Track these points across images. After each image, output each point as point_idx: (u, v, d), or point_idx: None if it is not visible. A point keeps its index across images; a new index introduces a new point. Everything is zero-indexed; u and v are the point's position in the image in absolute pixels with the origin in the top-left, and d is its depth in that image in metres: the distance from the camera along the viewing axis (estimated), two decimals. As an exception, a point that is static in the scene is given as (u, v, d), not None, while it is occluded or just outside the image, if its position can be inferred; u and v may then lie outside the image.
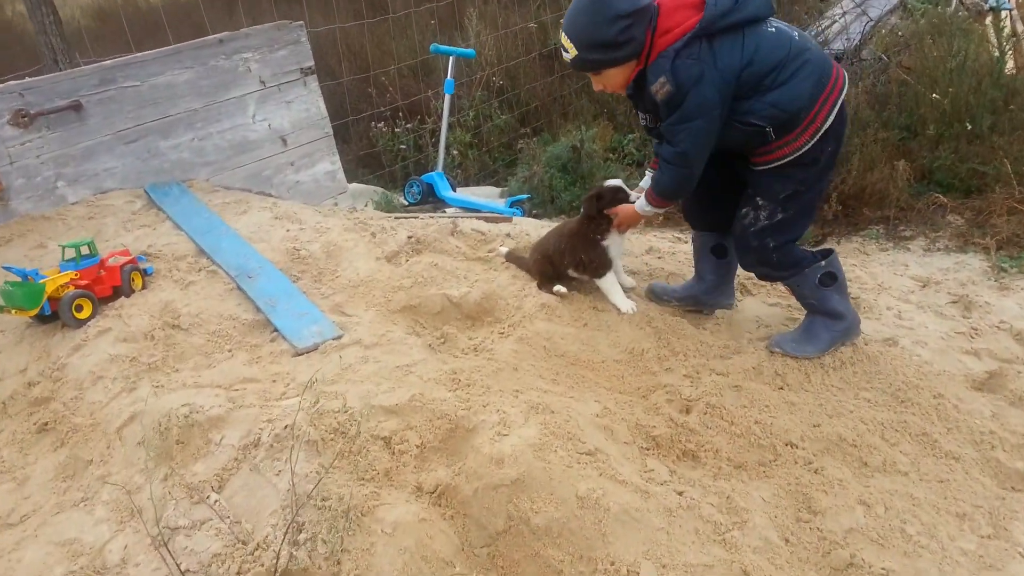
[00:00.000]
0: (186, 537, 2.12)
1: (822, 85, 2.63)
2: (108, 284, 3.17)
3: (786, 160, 2.71)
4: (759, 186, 2.82)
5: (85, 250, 3.13)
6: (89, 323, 3.03)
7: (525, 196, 5.92)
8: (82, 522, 2.31)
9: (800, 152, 2.69)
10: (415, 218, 4.23)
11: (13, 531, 2.36)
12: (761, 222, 2.85)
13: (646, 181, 3.10)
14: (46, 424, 2.71)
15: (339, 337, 2.94)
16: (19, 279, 2.95)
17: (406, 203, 6.24)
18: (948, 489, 2.50)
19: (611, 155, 6.60)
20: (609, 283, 3.24)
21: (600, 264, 3.24)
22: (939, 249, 4.57)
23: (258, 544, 2.02)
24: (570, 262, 3.29)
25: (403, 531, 2.06)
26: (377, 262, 3.46)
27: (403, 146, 6.82)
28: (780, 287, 3.57)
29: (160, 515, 2.19)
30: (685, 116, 2.58)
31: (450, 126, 7.08)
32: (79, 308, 3.03)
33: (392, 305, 3.18)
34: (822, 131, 2.67)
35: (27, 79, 4.01)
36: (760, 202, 2.83)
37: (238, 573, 1.98)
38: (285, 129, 5.00)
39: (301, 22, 5.04)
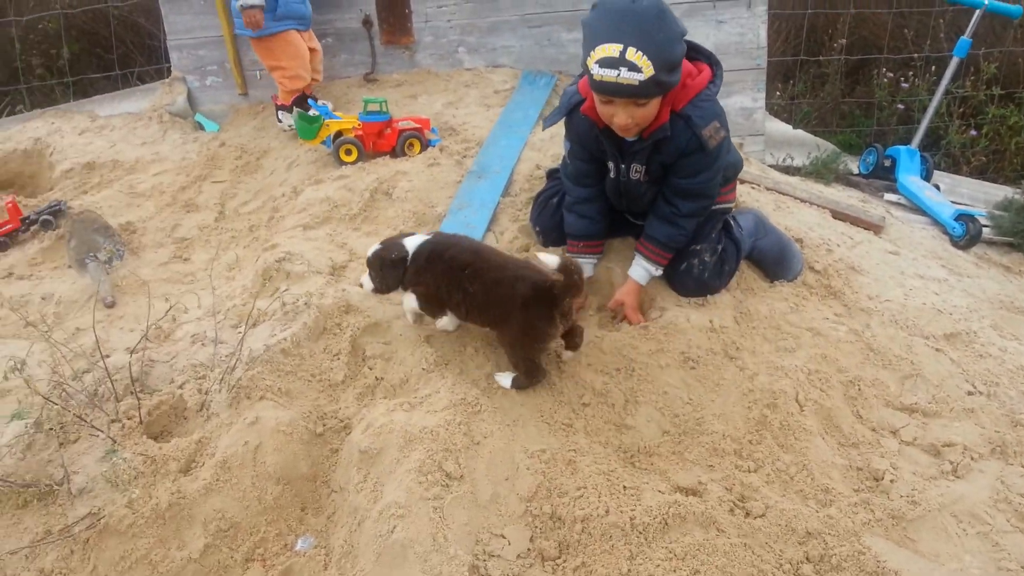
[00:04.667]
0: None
1: None
2: (388, 142, 3.71)
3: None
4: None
5: (374, 107, 3.69)
6: (348, 166, 3.63)
7: (979, 212, 4.45)
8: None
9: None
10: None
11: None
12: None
13: (638, 270, 2.62)
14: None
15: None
16: (314, 115, 3.68)
17: (858, 172, 5.29)
18: None
19: None
20: None
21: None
22: None
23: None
24: None
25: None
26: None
27: (900, 105, 5.62)
28: None
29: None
30: (719, 166, 2.45)
31: (960, 98, 5.53)
32: (348, 152, 3.65)
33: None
34: None
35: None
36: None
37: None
38: (706, 50, 4.67)
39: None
